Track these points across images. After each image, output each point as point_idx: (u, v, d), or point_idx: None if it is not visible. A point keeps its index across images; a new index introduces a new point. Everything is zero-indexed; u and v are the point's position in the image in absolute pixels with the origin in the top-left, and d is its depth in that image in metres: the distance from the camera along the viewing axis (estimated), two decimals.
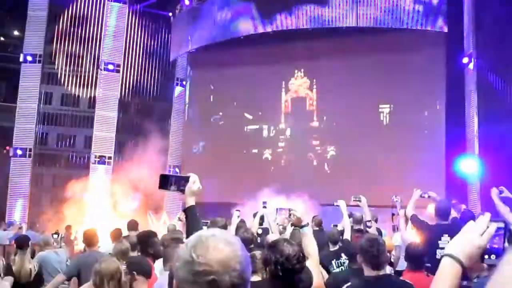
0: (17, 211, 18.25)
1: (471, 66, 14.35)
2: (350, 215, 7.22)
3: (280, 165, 18.57)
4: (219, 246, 1.50)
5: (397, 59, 16.94)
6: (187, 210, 2.74)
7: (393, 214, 10.85)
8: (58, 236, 10.24)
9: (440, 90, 16.18)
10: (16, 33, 19.96)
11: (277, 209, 8.50)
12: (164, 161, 19.88)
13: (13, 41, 20.17)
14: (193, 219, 2.70)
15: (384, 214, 11.77)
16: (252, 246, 5.92)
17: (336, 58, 18.00)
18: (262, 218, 8.30)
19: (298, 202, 14.72)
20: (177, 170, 20.08)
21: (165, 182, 2.82)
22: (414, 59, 16.61)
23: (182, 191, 2.73)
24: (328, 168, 17.78)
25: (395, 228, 10.34)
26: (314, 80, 18.47)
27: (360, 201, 6.94)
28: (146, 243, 5.70)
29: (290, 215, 4.52)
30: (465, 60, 14.56)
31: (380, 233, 8.55)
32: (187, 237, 2.73)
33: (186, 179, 2.74)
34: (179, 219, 8.53)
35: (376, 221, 8.92)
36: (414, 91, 16.46)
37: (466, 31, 14.78)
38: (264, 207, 8.60)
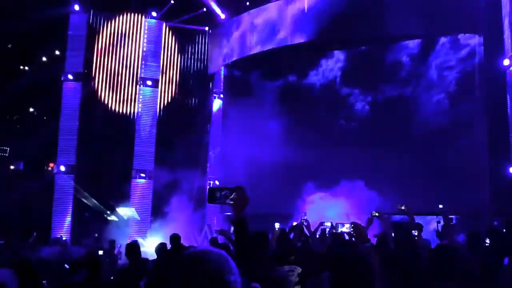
0: (62, 227, 18.54)
1: None
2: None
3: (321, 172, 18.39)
4: None
5: (436, 63, 16.76)
6: (235, 223, 2.72)
7: (438, 222, 10.70)
8: (103, 251, 10.37)
9: (481, 93, 15.92)
10: (57, 52, 20.36)
11: (320, 223, 8.48)
12: (204, 174, 19.98)
13: (54, 60, 20.58)
14: (241, 231, 2.69)
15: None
16: (293, 258, 5.88)
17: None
18: (301, 231, 8.21)
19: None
20: (217, 182, 20.15)
21: (213, 196, 2.81)
22: (453, 63, 16.42)
23: (230, 204, 2.72)
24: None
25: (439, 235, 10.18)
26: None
27: (405, 209, 6.82)
28: None
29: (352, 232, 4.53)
30: (506, 62, 14.26)
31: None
32: (235, 249, 2.73)
33: (233, 192, 2.72)
34: (219, 232, 8.52)
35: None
36: (455, 94, 16.29)
37: (506, 32, 14.50)
38: (304, 218, 8.54)
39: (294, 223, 9.04)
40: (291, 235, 8.10)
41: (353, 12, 16.99)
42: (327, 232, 10.22)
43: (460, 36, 16.30)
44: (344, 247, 6.46)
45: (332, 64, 18.89)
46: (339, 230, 8.23)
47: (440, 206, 7.37)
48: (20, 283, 5.45)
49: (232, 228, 2.96)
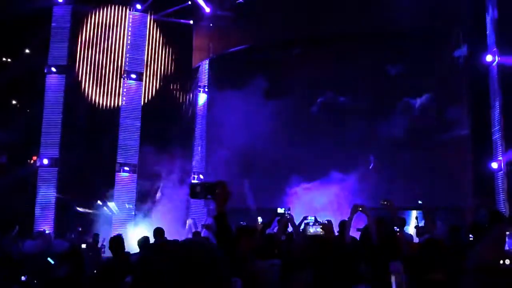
0: (46, 221, 18.42)
1: (495, 63, 14.20)
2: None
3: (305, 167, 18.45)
4: None
5: (419, 59, 16.84)
6: (217, 217, 2.73)
7: (416, 217, 10.83)
8: (87, 245, 10.36)
9: (464, 88, 16.05)
10: (40, 44, 20.16)
11: (304, 217, 8.52)
12: (188, 168, 19.93)
13: (37, 52, 20.38)
14: (222, 226, 2.70)
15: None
16: (277, 251, 5.90)
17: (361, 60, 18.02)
18: (286, 225, 8.24)
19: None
20: (201, 176, 20.14)
21: (194, 191, 2.81)
22: (437, 59, 16.52)
23: (212, 199, 2.73)
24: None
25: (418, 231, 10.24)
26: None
27: (389, 204, 6.86)
28: None
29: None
30: (488, 58, 14.40)
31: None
32: (218, 243, 2.74)
33: (215, 186, 2.72)
34: (205, 227, 8.55)
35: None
36: (438, 90, 16.41)
37: (489, 28, 14.64)
38: (288, 213, 8.59)
39: (279, 210, 9.08)
40: (275, 229, 8.14)
41: (339, 7, 17.10)
42: (310, 226, 10.28)
43: (444, 32, 16.38)
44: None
45: (319, 57, 18.91)
46: (311, 230, 8.27)
47: (420, 202, 7.44)
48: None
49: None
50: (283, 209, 8.90)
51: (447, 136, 16.15)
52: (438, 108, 16.51)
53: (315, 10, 17.41)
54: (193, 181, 18.73)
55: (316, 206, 15.37)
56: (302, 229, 8.79)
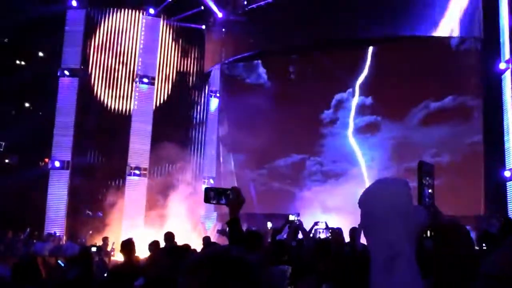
0: (56, 223, 18.50)
1: (508, 72, 14.10)
2: None
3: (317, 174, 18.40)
4: None
5: (433, 66, 16.77)
6: (229, 223, 2.73)
7: None
8: (96, 248, 10.37)
9: (477, 96, 15.95)
10: (53, 48, 20.30)
11: (315, 223, 8.48)
12: (199, 173, 19.98)
13: (51, 55, 20.55)
14: (235, 231, 2.70)
15: None
16: (286, 257, 5.88)
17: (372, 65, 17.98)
18: (295, 230, 8.21)
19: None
20: (211, 181, 20.16)
21: (208, 195, 2.80)
22: (451, 66, 16.44)
23: (225, 204, 2.72)
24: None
25: None
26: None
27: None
28: None
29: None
30: (502, 65, 14.31)
31: None
32: None
33: (229, 192, 2.72)
34: (219, 232, 8.52)
35: None
36: (451, 98, 16.33)
37: (502, 37, 14.55)
38: (298, 219, 8.54)
39: (290, 217, 9.06)
40: (285, 236, 8.11)
41: (351, 11, 17.09)
42: (322, 231, 10.27)
43: (459, 38, 16.30)
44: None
45: (331, 61, 18.88)
46: (318, 235, 8.26)
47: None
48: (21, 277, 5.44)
49: (227, 228, 2.95)
50: (294, 215, 8.87)
51: (460, 143, 16.06)
52: (451, 115, 16.42)
53: (326, 15, 17.40)
54: (207, 186, 18.75)
55: (329, 207, 15.32)
56: (312, 235, 8.77)
